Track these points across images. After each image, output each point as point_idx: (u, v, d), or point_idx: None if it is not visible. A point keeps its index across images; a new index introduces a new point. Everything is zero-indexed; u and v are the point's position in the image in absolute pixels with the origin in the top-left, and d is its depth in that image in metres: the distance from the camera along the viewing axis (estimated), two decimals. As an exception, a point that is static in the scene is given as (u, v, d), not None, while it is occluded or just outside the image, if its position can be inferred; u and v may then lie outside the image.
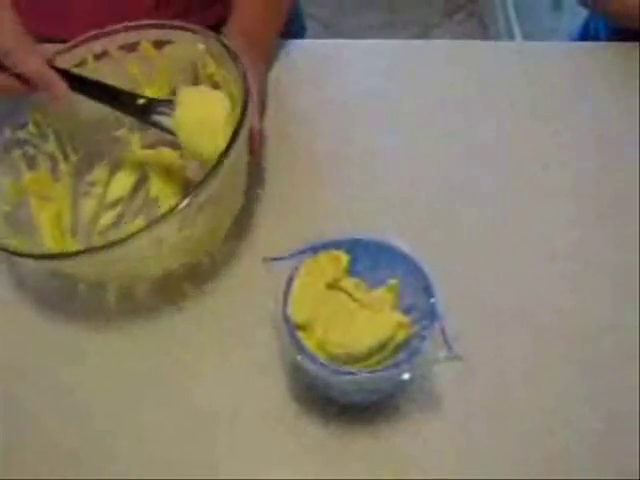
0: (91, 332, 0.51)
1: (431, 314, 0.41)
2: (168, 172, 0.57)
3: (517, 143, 0.62)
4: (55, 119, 0.55)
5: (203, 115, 0.49)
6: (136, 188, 0.58)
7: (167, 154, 0.58)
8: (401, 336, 0.42)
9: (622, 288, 0.52)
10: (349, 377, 0.40)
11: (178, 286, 0.52)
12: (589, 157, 0.60)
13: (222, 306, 0.52)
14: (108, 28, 0.56)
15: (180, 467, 0.45)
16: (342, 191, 0.58)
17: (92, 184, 0.58)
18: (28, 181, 0.54)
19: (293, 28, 0.83)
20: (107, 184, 0.58)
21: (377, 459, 0.45)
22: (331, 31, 2.01)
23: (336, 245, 0.45)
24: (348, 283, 0.45)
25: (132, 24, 0.55)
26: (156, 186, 0.57)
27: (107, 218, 0.57)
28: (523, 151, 0.61)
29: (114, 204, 0.57)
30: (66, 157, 0.57)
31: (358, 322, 0.43)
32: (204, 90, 0.53)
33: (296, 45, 0.71)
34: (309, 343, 0.41)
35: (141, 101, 0.51)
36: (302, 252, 0.44)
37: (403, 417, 0.46)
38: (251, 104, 0.49)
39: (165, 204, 0.55)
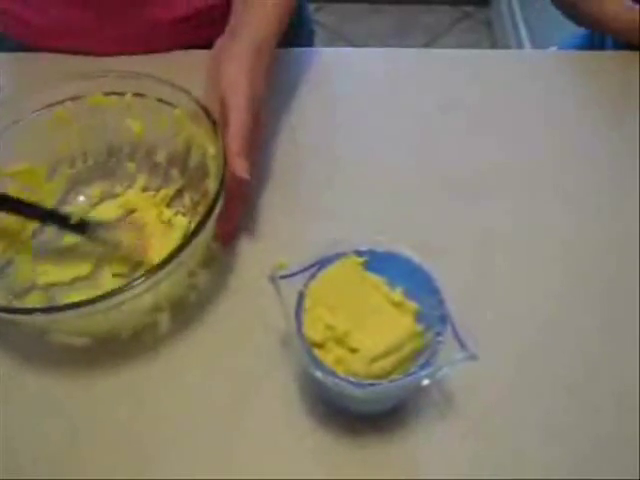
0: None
1: (442, 318, 0.41)
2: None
3: (524, 150, 0.62)
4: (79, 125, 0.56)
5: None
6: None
7: (147, 213, 0.56)
8: (417, 344, 0.42)
9: (636, 281, 0.52)
10: (371, 388, 0.40)
11: (183, 304, 0.52)
12: (598, 164, 0.61)
13: (230, 323, 0.51)
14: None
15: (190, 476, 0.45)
16: (345, 199, 0.58)
17: (82, 198, 0.58)
18: (19, 170, 0.53)
19: (302, 33, 0.84)
20: (93, 206, 0.57)
21: (389, 464, 0.44)
22: (338, 38, 2.02)
23: (342, 256, 0.45)
24: (370, 279, 0.44)
25: (120, 72, 0.55)
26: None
27: (71, 239, 0.55)
28: (529, 158, 0.61)
29: None
30: (72, 164, 0.57)
31: (382, 316, 0.43)
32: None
33: (303, 53, 0.71)
34: (327, 359, 0.41)
35: (73, 221, 0.52)
36: (309, 267, 0.44)
37: (416, 421, 0.46)
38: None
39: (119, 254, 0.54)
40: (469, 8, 2.13)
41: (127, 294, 0.43)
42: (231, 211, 0.51)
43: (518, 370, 0.48)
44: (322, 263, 0.44)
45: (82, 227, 0.52)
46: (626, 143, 0.62)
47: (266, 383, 0.48)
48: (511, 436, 0.45)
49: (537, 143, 0.62)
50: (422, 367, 0.40)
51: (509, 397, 0.47)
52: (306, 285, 0.43)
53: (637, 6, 0.67)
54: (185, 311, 0.51)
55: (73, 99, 0.55)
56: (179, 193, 0.56)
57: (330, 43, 1.96)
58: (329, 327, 0.42)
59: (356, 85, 0.68)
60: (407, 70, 0.70)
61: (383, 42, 1.97)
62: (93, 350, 0.50)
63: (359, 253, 0.44)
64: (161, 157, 0.57)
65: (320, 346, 0.42)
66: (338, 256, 0.44)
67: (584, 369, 0.48)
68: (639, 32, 0.67)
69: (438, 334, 0.41)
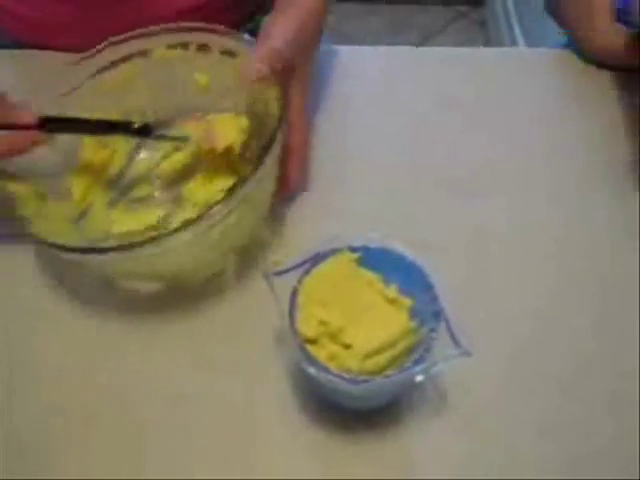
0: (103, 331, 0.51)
1: (436, 314, 0.41)
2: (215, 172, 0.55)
3: (519, 148, 0.62)
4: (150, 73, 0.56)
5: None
6: (184, 173, 0.57)
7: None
8: (411, 341, 0.42)
9: (629, 277, 0.53)
10: (365, 385, 0.40)
11: (183, 298, 0.52)
12: (591, 160, 0.61)
13: (223, 319, 0.51)
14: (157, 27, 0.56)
15: (185, 474, 0.45)
16: (341, 197, 0.58)
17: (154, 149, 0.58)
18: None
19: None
20: (165, 157, 0.57)
21: (383, 460, 0.44)
22: (334, 37, 2.01)
23: (336, 252, 0.44)
24: (364, 275, 0.44)
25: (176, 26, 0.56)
26: (195, 184, 0.55)
27: (143, 190, 0.56)
28: (524, 155, 0.61)
29: (156, 177, 0.57)
30: (143, 116, 0.56)
31: (377, 312, 0.43)
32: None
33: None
34: (320, 355, 0.41)
35: (136, 125, 0.52)
36: (303, 263, 0.44)
37: (409, 417, 0.46)
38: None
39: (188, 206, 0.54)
40: (463, 8, 2.13)
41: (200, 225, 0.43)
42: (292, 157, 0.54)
43: (511, 367, 0.48)
44: (316, 259, 0.44)
45: (147, 130, 0.52)
46: (622, 137, 0.62)
47: (259, 379, 0.48)
48: (504, 432, 0.46)
49: (532, 141, 0.62)
50: (416, 363, 0.40)
51: (502, 394, 0.47)
52: (300, 281, 0.43)
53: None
54: (189, 307, 0.52)
55: (140, 54, 0.56)
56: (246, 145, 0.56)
57: (325, 41, 1.96)
58: (323, 323, 0.42)
59: (352, 83, 0.68)
60: (402, 68, 0.70)
61: (377, 42, 1.97)
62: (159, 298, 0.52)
63: (353, 249, 0.44)
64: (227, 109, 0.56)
65: (314, 342, 0.41)
66: (332, 252, 0.44)
67: (577, 366, 0.48)
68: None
69: (432, 330, 0.41)
